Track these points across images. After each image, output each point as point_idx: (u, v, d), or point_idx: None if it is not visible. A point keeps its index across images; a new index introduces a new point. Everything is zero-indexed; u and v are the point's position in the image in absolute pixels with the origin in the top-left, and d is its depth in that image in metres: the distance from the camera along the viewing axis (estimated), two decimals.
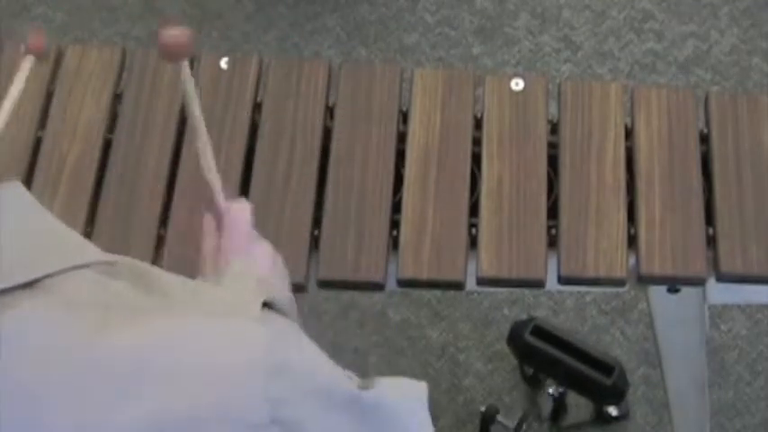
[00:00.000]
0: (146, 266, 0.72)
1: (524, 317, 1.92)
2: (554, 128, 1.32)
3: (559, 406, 1.84)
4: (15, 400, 0.60)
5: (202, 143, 0.97)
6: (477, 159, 1.29)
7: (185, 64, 0.93)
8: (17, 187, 0.76)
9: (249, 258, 0.91)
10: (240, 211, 0.95)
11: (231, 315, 0.67)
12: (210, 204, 0.96)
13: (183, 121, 1.32)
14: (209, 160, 0.97)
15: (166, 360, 0.63)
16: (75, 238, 0.72)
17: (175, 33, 0.90)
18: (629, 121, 1.31)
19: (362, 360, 1.95)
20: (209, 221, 0.96)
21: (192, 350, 0.64)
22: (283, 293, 0.75)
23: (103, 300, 0.65)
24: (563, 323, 1.95)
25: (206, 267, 0.92)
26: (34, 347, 0.61)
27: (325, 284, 1.23)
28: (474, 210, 1.26)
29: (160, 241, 1.25)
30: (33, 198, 0.75)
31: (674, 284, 1.28)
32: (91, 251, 0.71)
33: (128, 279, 0.68)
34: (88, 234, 1.25)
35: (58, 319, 0.63)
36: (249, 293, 0.70)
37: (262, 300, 0.69)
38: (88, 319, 0.63)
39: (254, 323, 0.67)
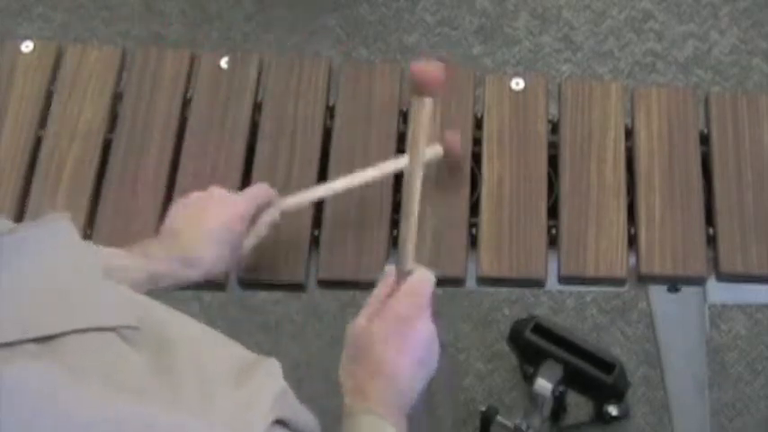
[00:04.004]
0: (173, 337, 0.70)
1: (525, 317, 1.92)
2: (554, 128, 1.32)
3: (559, 406, 1.83)
4: None
5: (412, 207, 0.97)
6: (477, 159, 1.29)
7: (429, 101, 0.93)
8: (64, 223, 0.72)
9: (406, 334, 0.98)
10: (423, 280, 0.98)
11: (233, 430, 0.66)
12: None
13: (183, 121, 1.32)
14: (410, 218, 0.97)
15: None
16: (109, 290, 0.70)
17: (428, 67, 0.92)
18: (629, 121, 1.31)
19: None
20: (391, 272, 0.98)
21: None
22: (303, 413, 0.74)
23: (113, 374, 0.64)
24: (563, 323, 1.95)
25: (368, 307, 0.96)
26: (27, 408, 0.61)
27: (325, 284, 1.23)
28: (474, 209, 1.26)
29: None
30: (77, 234, 0.72)
31: (674, 284, 1.28)
32: (119, 308, 0.69)
33: (148, 352, 0.67)
34: (88, 235, 1.25)
35: (58, 386, 0.62)
36: (262, 408, 0.69)
37: (271, 419, 0.68)
38: (89, 390, 0.62)
39: None
